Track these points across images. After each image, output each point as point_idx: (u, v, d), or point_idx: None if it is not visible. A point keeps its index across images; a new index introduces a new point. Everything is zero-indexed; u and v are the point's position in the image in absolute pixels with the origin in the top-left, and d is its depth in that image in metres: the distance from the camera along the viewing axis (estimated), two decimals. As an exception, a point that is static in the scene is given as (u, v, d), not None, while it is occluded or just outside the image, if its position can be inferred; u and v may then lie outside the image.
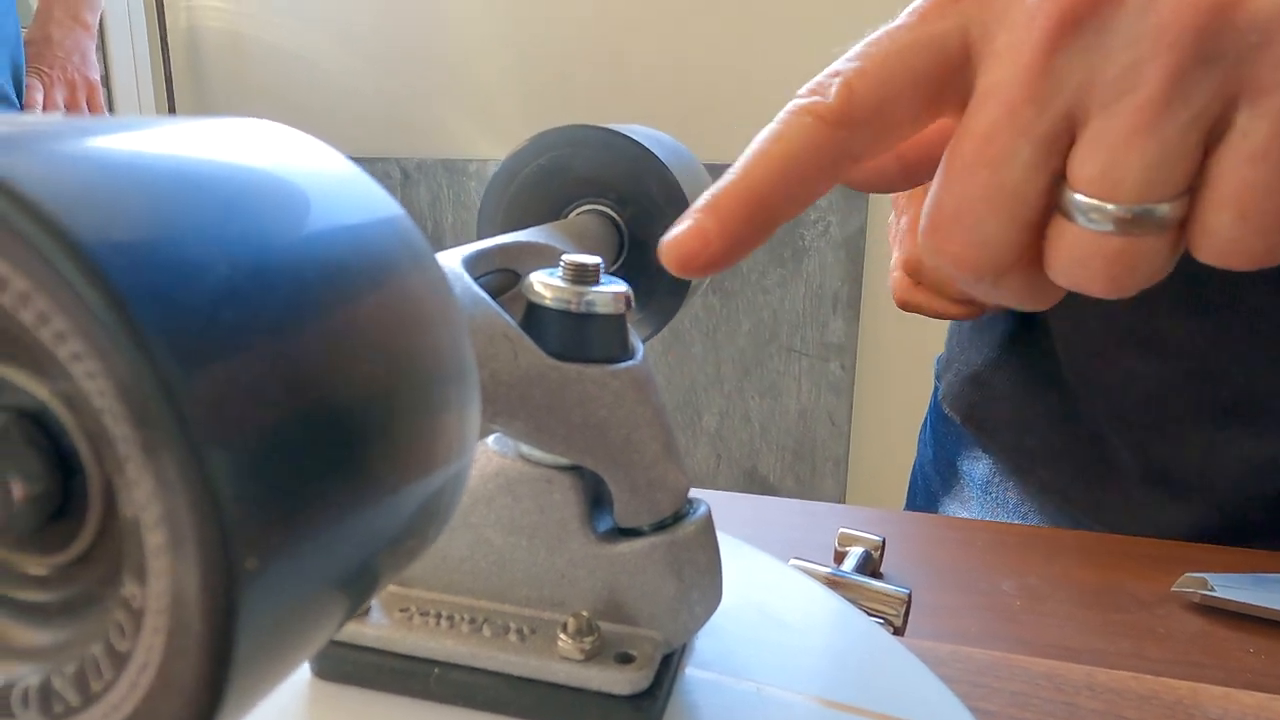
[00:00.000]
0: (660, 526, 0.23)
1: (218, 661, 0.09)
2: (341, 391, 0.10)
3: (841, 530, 0.40)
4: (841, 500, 1.74)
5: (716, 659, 0.25)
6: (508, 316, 0.20)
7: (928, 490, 0.59)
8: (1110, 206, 0.18)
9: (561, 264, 0.22)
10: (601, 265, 0.22)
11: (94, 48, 1.03)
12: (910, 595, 0.34)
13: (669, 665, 0.23)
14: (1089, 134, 0.18)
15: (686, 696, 0.24)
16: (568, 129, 0.32)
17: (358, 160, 0.14)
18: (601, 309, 0.21)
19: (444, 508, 0.13)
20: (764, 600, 0.28)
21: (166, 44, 1.93)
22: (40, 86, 0.97)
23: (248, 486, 0.09)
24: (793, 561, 0.35)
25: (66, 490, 0.11)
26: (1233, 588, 0.36)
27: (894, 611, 0.33)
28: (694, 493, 0.24)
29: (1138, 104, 0.18)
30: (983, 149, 0.19)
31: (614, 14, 1.59)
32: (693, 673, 0.25)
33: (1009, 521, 0.52)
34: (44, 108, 0.97)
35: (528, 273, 0.23)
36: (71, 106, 1.00)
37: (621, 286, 0.22)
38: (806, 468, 1.76)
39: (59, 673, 0.10)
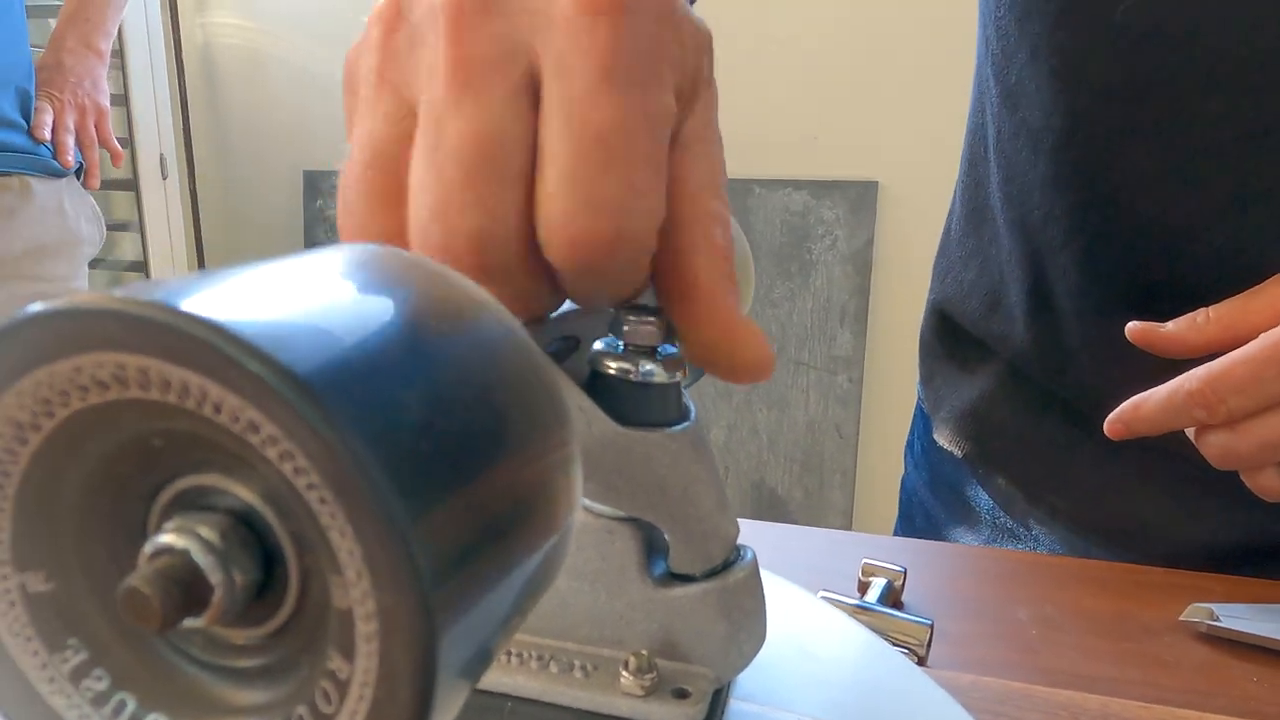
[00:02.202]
0: (712, 573, 0.25)
1: (418, 726, 0.11)
2: (505, 487, 0.13)
3: (865, 561, 0.42)
4: (849, 511, 1.76)
5: (759, 691, 0.27)
6: (579, 390, 0.23)
7: (927, 514, 0.61)
8: None
9: (625, 334, 0.24)
10: (658, 328, 0.24)
11: (105, 75, 1.03)
12: (933, 626, 0.36)
13: (719, 699, 0.25)
14: None
15: (734, 727, 0.26)
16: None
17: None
18: (659, 379, 0.23)
19: (558, 563, 0.16)
20: (799, 635, 0.31)
21: (181, 61, 1.96)
22: (50, 109, 0.97)
23: (446, 579, 0.11)
24: (821, 594, 0.37)
25: (267, 576, 0.13)
26: (1238, 618, 0.38)
27: (918, 642, 0.35)
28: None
29: None
30: None
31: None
32: (738, 705, 0.27)
33: (1018, 549, 0.54)
34: (54, 130, 0.97)
35: (586, 335, 0.25)
36: (81, 131, 1.00)
37: (676, 354, 0.24)
38: (814, 480, 1.78)
39: (268, 729, 0.13)
